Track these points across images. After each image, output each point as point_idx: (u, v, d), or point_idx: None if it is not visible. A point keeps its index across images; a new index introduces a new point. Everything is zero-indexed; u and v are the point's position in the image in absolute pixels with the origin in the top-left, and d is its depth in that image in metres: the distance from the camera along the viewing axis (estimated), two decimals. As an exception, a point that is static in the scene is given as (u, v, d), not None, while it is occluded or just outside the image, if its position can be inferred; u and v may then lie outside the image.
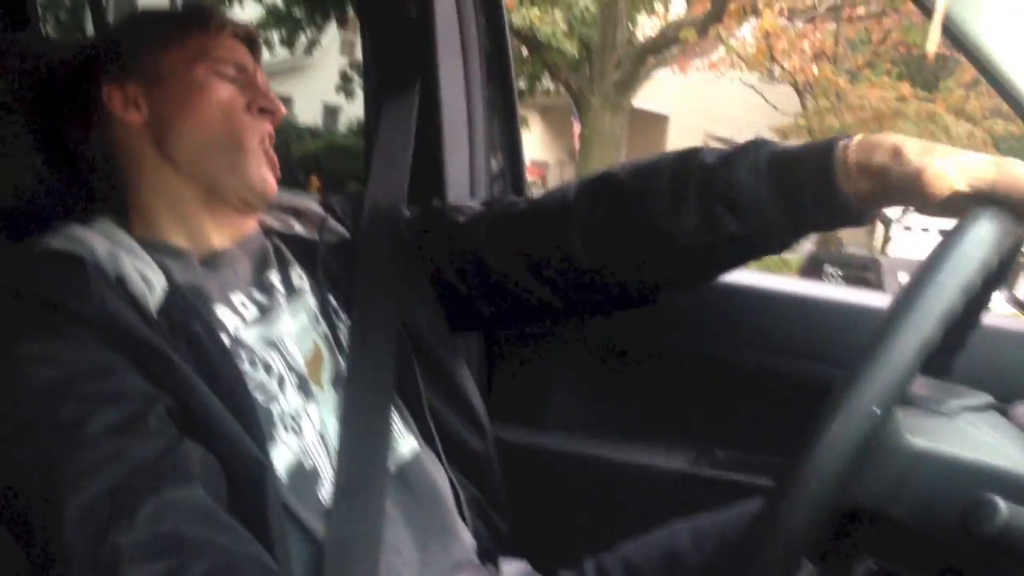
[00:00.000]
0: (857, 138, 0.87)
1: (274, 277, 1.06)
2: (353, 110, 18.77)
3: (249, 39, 1.12)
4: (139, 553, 0.74)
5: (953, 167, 0.80)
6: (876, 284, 8.74)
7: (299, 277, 1.09)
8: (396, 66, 1.35)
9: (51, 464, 0.79)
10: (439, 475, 1.05)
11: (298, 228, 1.15)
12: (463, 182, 1.52)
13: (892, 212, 17.90)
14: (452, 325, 1.14)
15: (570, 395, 1.47)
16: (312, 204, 1.18)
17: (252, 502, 0.85)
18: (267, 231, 1.13)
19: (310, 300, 1.07)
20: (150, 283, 0.95)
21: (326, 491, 0.95)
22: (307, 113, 20.49)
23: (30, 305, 0.89)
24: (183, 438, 0.84)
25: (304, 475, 0.94)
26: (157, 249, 1.01)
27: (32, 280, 0.91)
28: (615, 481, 1.37)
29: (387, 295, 1.09)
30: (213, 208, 1.05)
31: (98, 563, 0.74)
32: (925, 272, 0.73)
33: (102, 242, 0.97)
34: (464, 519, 1.06)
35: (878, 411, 0.69)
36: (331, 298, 1.09)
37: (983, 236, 0.75)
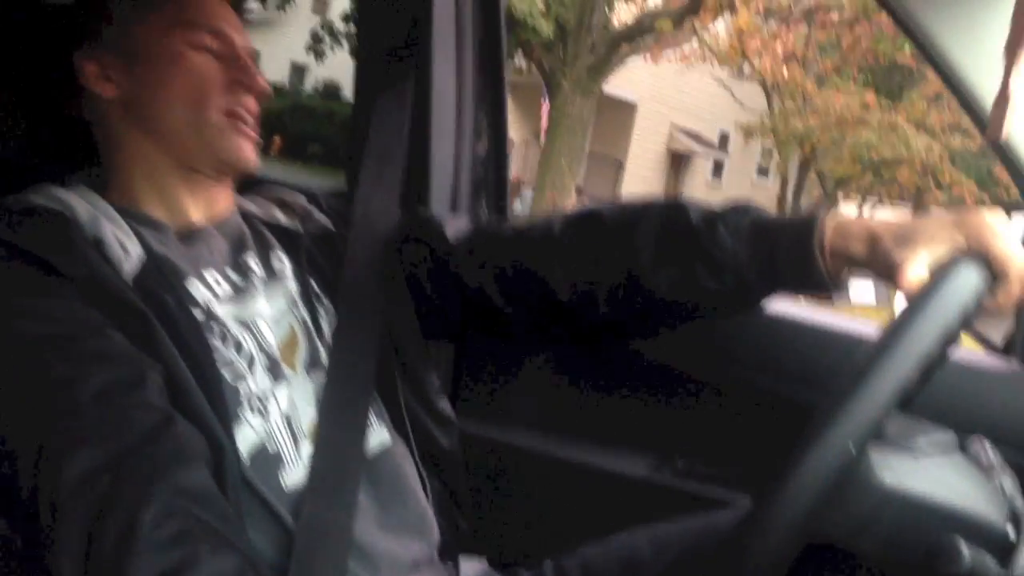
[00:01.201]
0: (833, 223, 0.90)
1: (252, 260, 1.05)
2: (321, 71, 18.56)
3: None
4: (154, 535, 0.73)
5: (927, 253, 0.82)
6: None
7: (279, 261, 1.07)
8: (391, 54, 1.33)
9: (44, 423, 0.78)
10: (406, 470, 1.05)
11: (281, 218, 1.14)
12: (447, 170, 1.52)
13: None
14: (422, 330, 1.14)
15: (537, 394, 1.48)
16: (298, 196, 1.17)
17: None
18: (248, 216, 1.11)
19: (290, 284, 1.06)
20: (127, 250, 0.94)
21: (288, 475, 0.94)
22: (274, 70, 20.17)
23: (13, 259, 0.88)
24: (176, 415, 0.83)
25: (267, 458, 0.94)
26: (134, 218, 0.99)
27: (15, 233, 0.89)
28: (576, 483, 1.39)
29: (374, 290, 1.09)
30: (190, 181, 1.03)
31: (100, 535, 0.73)
32: (907, 317, 0.76)
33: (82, 204, 0.96)
34: (429, 514, 1.07)
35: (853, 448, 0.71)
36: (313, 284, 1.08)
37: (963, 284, 0.78)
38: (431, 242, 1.13)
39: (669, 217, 0.99)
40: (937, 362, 0.79)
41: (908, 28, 1.11)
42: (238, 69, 1.02)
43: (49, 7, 1.06)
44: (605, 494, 1.36)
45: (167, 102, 1.00)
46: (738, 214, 0.95)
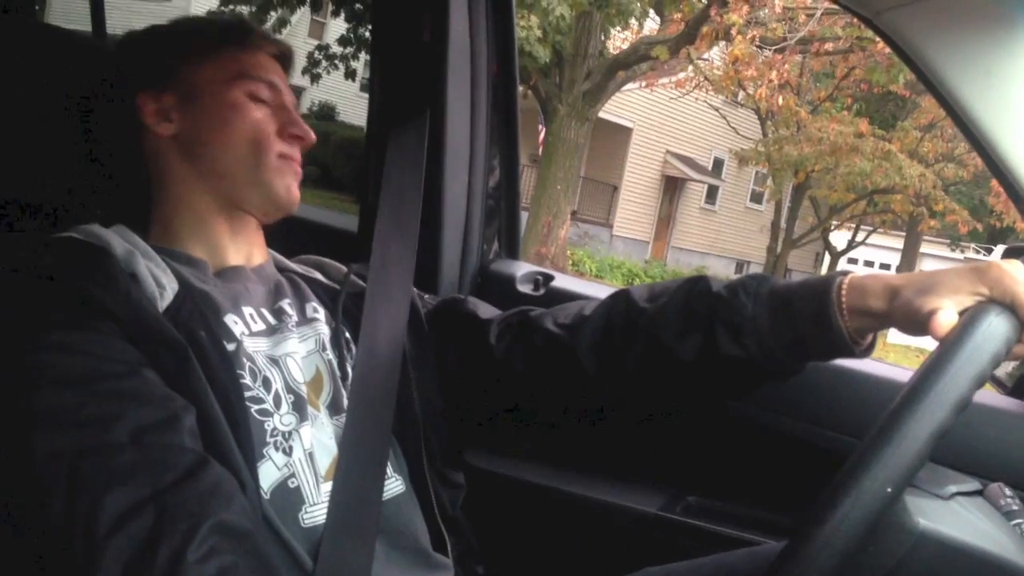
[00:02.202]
0: (847, 280, 0.92)
1: (287, 305, 1.08)
2: (316, 92, 18.62)
3: (283, 57, 1.14)
4: (200, 571, 0.74)
5: (952, 303, 0.83)
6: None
7: (314, 309, 1.10)
8: (406, 92, 1.34)
9: (76, 460, 0.78)
10: (414, 518, 1.07)
11: (321, 277, 1.18)
12: (460, 205, 1.52)
13: (838, 243, 18.29)
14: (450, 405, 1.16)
15: (547, 428, 1.48)
16: (335, 263, 1.22)
17: None
18: (286, 270, 1.15)
19: (322, 329, 1.09)
20: (161, 285, 0.95)
21: (307, 514, 0.95)
22: (270, 92, 20.20)
23: (56, 290, 0.88)
24: (209, 457, 0.84)
25: (288, 495, 0.95)
26: (172, 256, 1.02)
27: (58, 265, 0.91)
28: (588, 518, 1.38)
29: (391, 337, 1.11)
30: (232, 222, 1.07)
31: (144, 572, 0.73)
32: (941, 361, 0.77)
33: (118, 240, 0.98)
34: (433, 558, 1.07)
35: (891, 491, 0.72)
36: (345, 331, 1.11)
37: (995, 331, 0.79)
38: (464, 320, 1.17)
39: (692, 287, 1.02)
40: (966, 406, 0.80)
41: (909, 59, 1.13)
42: (289, 120, 1.08)
43: (115, 49, 1.11)
44: (617, 530, 1.36)
45: (226, 144, 1.04)
46: (757, 281, 0.98)
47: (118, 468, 0.78)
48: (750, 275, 0.99)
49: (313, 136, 1.11)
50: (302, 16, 18.29)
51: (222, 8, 12.82)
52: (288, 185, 1.08)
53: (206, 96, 1.06)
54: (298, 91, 20.17)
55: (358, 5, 9.41)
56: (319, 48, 14.44)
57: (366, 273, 1.19)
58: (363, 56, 12.82)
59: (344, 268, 1.20)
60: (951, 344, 0.78)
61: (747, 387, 1.04)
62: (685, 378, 1.02)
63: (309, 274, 1.17)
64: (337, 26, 14.95)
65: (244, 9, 12.78)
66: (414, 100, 1.33)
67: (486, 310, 1.19)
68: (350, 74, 13.79)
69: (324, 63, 14.09)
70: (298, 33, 19.58)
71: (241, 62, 1.08)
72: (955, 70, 1.09)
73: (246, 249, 1.09)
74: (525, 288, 1.53)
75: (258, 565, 0.79)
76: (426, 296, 1.23)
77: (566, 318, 1.10)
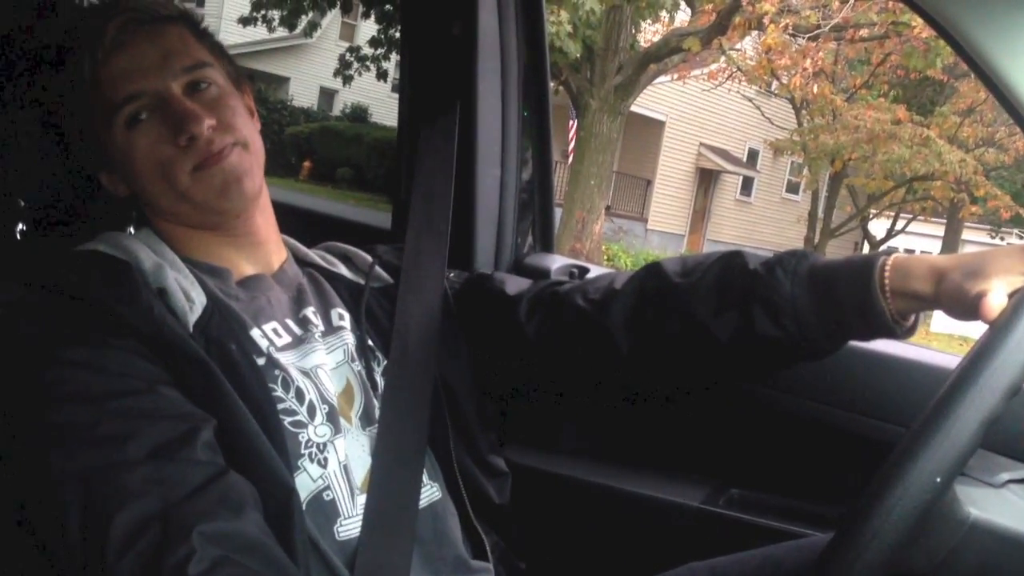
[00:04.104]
0: (891, 260, 0.88)
1: (311, 313, 1.06)
2: (348, 94, 18.75)
3: (129, 20, 0.98)
4: None
5: (1003, 284, 0.80)
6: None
7: (339, 316, 1.09)
8: (436, 87, 1.34)
9: (91, 478, 0.79)
10: (450, 523, 1.05)
11: (346, 272, 1.15)
12: (493, 199, 1.52)
13: (877, 232, 18.04)
14: (482, 386, 1.15)
15: (588, 423, 1.47)
16: (360, 251, 1.18)
17: (279, 527, 0.85)
18: (308, 265, 1.13)
19: (348, 338, 1.07)
20: (191, 299, 0.95)
21: (343, 526, 0.95)
22: (303, 95, 20.41)
23: (77, 306, 0.89)
24: (228, 468, 0.84)
25: (323, 507, 0.94)
26: (197, 266, 1.01)
27: (81, 281, 0.91)
28: (629, 513, 1.37)
29: (424, 341, 1.09)
30: (226, 236, 1.04)
31: None
32: (991, 345, 0.74)
33: (147, 253, 0.97)
34: (470, 564, 1.06)
35: (940, 480, 0.70)
36: (370, 339, 1.09)
37: None
38: (492, 298, 1.15)
39: (728, 263, 0.99)
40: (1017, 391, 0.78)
41: (948, 34, 1.09)
42: (176, 122, 0.96)
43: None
44: (658, 524, 1.34)
45: (148, 187, 1.00)
46: (796, 258, 0.94)
47: (130, 486, 0.79)
48: (788, 252, 0.96)
49: (201, 127, 0.95)
50: (333, 19, 18.43)
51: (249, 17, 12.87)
52: (221, 189, 0.98)
53: (113, 151, 0.99)
54: (331, 93, 20.32)
55: (388, 6, 9.45)
56: (350, 50, 14.55)
57: (392, 260, 1.18)
58: (394, 57, 12.89)
59: (369, 258, 1.17)
60: (1001, 327, 0.75)
61: (782, 365, 1.01)
62: (720, 356, 1.00)
63: (332, 268, 1.14)
64: (368, 28, 15.05)
65: (275, 14, 12.90)
66: (444, 96, 1.32)
67: (514, 284, 1.16)
68: (382, 75, 13.87)
69: (356, 65, 14.19)
70: (329, 36, 19.72)
71: (102, 94, 0.97)
72: (998, 45, 1.06)
73: (259, 256, 1.07)
74: (560, 281, 1.52)
75: (272, 574, 0.79)
76: (452, 275, 1.20)
77: (596, 292, 1.08)
